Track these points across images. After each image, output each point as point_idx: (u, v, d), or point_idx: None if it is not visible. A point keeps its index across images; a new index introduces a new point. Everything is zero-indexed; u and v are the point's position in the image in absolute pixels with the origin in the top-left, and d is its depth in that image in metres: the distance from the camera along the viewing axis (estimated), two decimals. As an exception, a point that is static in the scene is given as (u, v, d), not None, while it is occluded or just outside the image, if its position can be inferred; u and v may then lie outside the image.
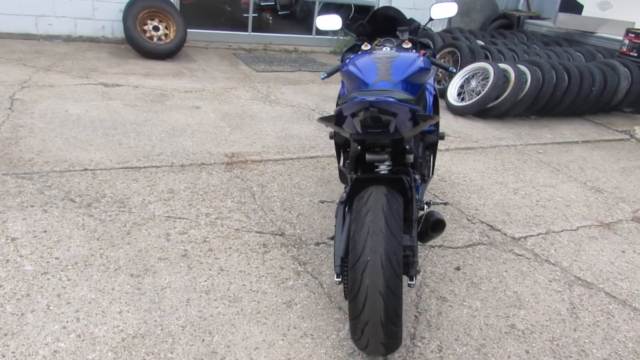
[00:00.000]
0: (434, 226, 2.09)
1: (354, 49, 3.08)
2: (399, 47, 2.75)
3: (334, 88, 5.91)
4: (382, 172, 2.19)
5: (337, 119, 1.91)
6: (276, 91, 5.48)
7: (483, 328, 2.25)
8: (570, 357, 2.15)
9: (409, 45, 2.74)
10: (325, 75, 2.81)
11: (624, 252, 3.06)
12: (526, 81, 5.28)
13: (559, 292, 2.58)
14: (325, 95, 5.59)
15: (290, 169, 3.59)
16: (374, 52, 2.54)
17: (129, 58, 6.00)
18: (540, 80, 5.28)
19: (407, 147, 2.19)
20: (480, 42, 6.66)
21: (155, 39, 5.99)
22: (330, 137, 2.98)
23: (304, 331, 2.09)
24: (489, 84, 5.18)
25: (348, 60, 2.56)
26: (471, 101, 5.29)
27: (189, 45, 6.68)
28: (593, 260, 2.92)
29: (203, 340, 1.97)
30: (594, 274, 2.78)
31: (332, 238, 2.72)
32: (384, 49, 2.73)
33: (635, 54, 6.20)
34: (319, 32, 8.19)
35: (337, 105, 1.90)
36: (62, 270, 2.25)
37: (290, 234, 2.79)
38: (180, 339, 1.96)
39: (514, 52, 6.18)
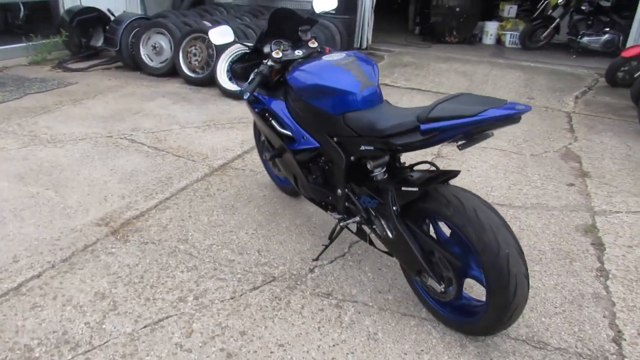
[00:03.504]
0: None
1: (245, 58, 2.82)
2: (306, 47, 2.67)
3: (93, 105, 4.98)
4: (378, 176, 2.23)
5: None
6: (37, 126, 4.27)
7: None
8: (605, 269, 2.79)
9: (315, 44, 2.70)
10: (248, 94, 2.52)
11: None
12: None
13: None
14: (97, 115, 4.67)
15: (183, 210, 3.06)
16: (324, 57, 2.42)
17: None
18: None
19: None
20: (207, 23, 6.60)
21: None
22: (272, 158, 2.73)
23: (416, 353, 2.06)
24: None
25: (299, 72, 2.38)
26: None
27: None
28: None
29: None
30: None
31: (317, 259, 2.62)
32: (297, 52, 2.61)
33: (333, 11, 7.28)
34: (5, 41, 6.48)
35: (423, 119, 1.79)
36: None
37: (279, 274, 2.51)
38: None
39: (250, 28, 6.39)
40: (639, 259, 2.78)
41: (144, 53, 6.28)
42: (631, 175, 3.93)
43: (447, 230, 2.10)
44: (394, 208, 2.09)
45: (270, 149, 2.79)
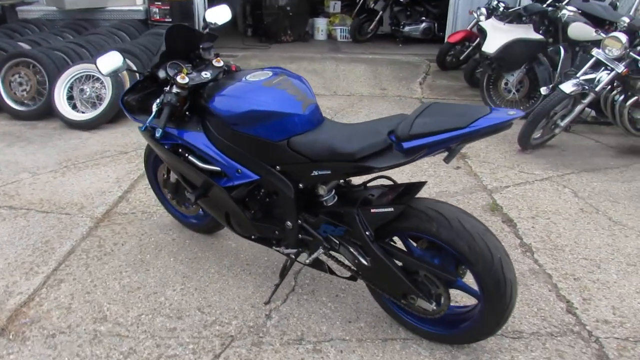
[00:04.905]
0: None
1: (137, 87, 2.39)
2: (212, 67, 2.34)
3: None
4: (329, 201, 2.09)
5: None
6: None
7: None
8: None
9: (221, 63, 2.38)
10: (161, 131, 2.12)
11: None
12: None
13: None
14: None
15: (83, 280, 2.48)
16: (247, 77, 2.13)
17: None
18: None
19: None
20: (23, 44, 5.57)
21: None
22: (198, 199, 2.33)
23: (416, 378, 1.95)
24: (111, 85, 4.64)
25: (223, 99, 2.06)
26: (103, 108, 4.63)
27: None
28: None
29: None
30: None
31: (268, 302, 2.36)
32: (204, 74, 2.28)
33: (170, 19, 6.75)
34: None
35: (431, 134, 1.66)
36: None
37: (236, 331, 2.17)
38: None
39: (83, 47, 5.53)
40: (545, 228, 3.07)
41: (-56, 89, 5.04)
42: (498, 150, 4.36)
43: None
44: (367, 233, 1.93)
45: (190, 188, 2.40)
